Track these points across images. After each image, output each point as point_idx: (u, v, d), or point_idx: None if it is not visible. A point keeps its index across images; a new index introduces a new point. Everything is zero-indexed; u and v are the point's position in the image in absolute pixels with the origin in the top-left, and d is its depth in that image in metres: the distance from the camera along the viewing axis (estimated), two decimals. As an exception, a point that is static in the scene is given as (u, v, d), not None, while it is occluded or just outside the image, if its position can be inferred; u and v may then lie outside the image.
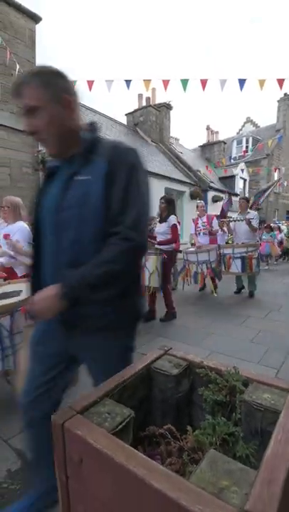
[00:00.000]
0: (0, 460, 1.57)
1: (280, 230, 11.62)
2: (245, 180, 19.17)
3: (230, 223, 5.46)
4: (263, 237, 9.28)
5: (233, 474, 0.58)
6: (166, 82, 5.89)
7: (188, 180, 13.16)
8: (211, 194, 14.82)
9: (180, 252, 4.70)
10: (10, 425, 1.82)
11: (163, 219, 4.02)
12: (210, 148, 19.00)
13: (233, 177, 17.43)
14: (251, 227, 5.05)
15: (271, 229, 9.83)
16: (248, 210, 5.40)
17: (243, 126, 25.70)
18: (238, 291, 5.51)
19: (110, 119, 13.77)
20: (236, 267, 4.92)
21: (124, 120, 15.55)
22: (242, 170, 18.36)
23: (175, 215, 4.06)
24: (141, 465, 0.58)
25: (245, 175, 18.89)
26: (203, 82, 5.73)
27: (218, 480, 0.56)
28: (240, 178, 18.35)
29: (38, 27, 6.92)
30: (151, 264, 3.70)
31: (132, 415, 0.74)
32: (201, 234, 5.40)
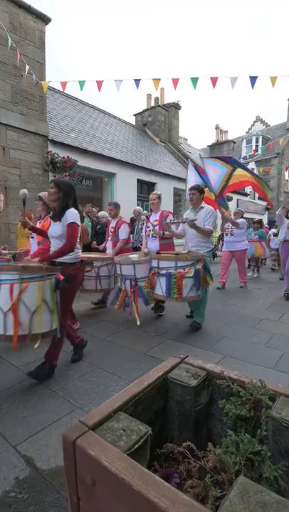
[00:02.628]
0: (8, 467, 1.53)
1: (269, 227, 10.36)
2: (255, 180, 18.87)
3: (181, 225, 3.76)
4: (250, 236, 7.77)
5: (269, 508, 0.51)
6: (175, 81, 5.82)
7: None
8: (220, 194, 14.63)
9: (90, 264, 3.77)
10: (18, 430, 1.77)
11: (56, 214, 2.48)
12: (219, 148, 18.80)
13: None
14: (199, 230, 3.44)
15: (261, 225, 8.07)
16: (204, 204, 3.73)
17: (253, 125, 25.37)
18: (191, 314, 3.92)
19: (119, 119, 13.76)
20: (160, 287, 3.16)
21: (132, 120, 15.53)
22: (252, 169, 18.10)
23: (76, 207, 2.53)
24: (163, 495, 0.51)
25: (255, 174, 18.60)
26: (214, 80, 5.63)
27: (252, 516, 0.49)
28: (250, 177, 18.08)
29: (47, 27, 6.95)
30: (29, 297, 2.05)
31: (149, 433, 0.67)
32: (150, 237, 4.03)
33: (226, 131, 19.84)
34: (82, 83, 5.22)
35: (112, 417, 0.71)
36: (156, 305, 4.13)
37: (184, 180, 11.95)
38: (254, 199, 18.00)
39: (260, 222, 8.21)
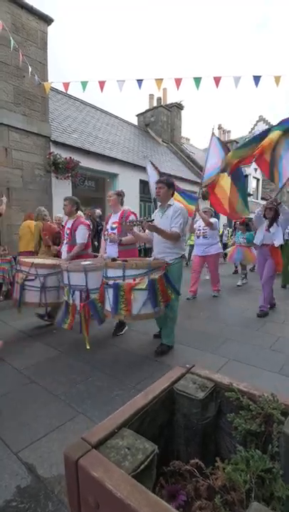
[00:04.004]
0: (9, 475, 1.50)
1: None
2: (258, 179, 18.80)
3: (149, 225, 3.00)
4: (236, 239, 6.80)
5: None
6: (178, 81, 5.78)
7: (199, 181, 12.96)
8: (223, 194, 14.58)
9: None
10: (20, 436, 1.75)
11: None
12: (222, 148, 18.72)
13: (245, 176, 17.11)
14: (160, 232, 2.76)
15: (247, 227, 6.52)
16: (172, 201, 2.99)
17: (256, 124, 25.24)
18: (158, 334, 3.23)
19: (121, 120, 13.73)
20: (109, 301, 2.61)
21: (135, 121, 15.51)
22: (255, 169, 18.00)
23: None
24: (171, 524, 0.48)
25: (258, 174, 18.53)
26: (217, 80, 5.59)
27: None
28: (254, 177, 18.01)
29: (48, 28, 6.93)
30: None
31: (156, 451, 0.64)
32: (108, 241, 3.41)
33: (229, 131, 19.78)
34: (84, 84, 5.19)
35: (116, 433, 0.68)
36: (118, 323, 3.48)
37: (186, 180, 11.91)
38: (257, 199, 17.91)
39: (246, 223, 6.58)
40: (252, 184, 17.71)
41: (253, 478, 0.73)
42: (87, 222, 3.82)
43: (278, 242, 4.09)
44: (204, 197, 12.55)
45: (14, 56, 6.01)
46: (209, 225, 5.12)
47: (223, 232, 10.73)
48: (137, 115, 15.68)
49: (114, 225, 3.39)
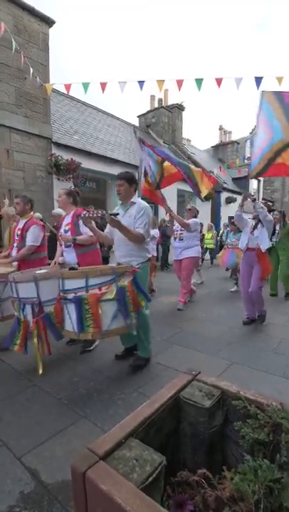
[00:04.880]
0: (12, 480, 1.49)
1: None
2: (259, 180, 18.78)
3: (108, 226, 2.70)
4: (229, 239, 6.30)
5: None
6: (180, 82, 5.78)
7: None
8: (224, 195, 14.58)
9: None
10: (23, 440, 1.74)
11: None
12: (223, 149, 18.72)
13: (246, 177, 17.10)
14: (124, 231, 2.41)
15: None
16: (136, 198, 2.72)
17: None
18: (123, 353, 2.82)
19: (122, 121, 13.75)
20: (70, 320, 2.17)
21: (136, 122, 15.52)
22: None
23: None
24: None
25: (259, 175, 18.50)
26: (218, 81, 5.59)
27: None
28: (255, 178, 17.98)
29: (50, 29, 6.94)
30: None
31: (164, 463, 0.63)
32: (64, 246, 3.04)
33: (230, 132, 19.76)
34: (86, 85, 5.19)
35: (123, 443, 0.67)
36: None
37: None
38: (258, 200, 17.89)
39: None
40: (253, 185, 17.70)
41: (262, 488, 0.72)
42: (42, 222, 3.44)
43: (264, 245, 3.57)
44: (205, 198, 12.49)
45: (16, 58, 6.02)
46: (185, 226, 4.56)
47: (223, 231, 10.46)
48: (138, 116, 15.69)
49: (67, 228, 3.01)
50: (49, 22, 6.82)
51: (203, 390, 0.88)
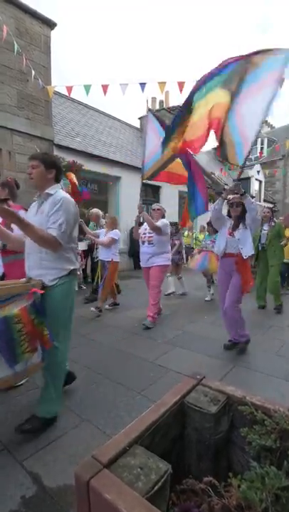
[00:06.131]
0: (14, 485, 1.47)
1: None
2: (260, 181, 18.76)
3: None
4: (203, 241, 5.75)
5: None
6: (181, 84, 5.79)
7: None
8: (225, 197, 14.53)
9: None
10: (24, 444, 1.72)
11: None
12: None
13: (248, 179, 17.08)
14: (29, 232, 1.70)
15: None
16: (55, 189, 1.92)
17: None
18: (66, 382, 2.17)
19: (123, 122, 13.77)
20: None
21: (137, 124, 15.54)
22: (258, 171, 17.99)
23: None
24: None
25: (260, 176, 18.49)
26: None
27: None
28: (256, 179, 17.97)
29: (52, 32, 6.97)
30: None
31: (170, 471, 0.62)
32: None
33: (231, 134, 19.74)
34: (87, 88, 5.20)
35: (127, 451, 0.66)
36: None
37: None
38: (260, 202, 17.87)
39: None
40: (254, 186, 17.67)
41: (269, 496, 0.71)
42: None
43: (246, 251, 2.86)
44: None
45: (18, 60, 6.04)
46: (155, 229, 3.79)
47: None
48: (140, 118, 15.71)
49: None
50: (51, 24, 6.85)
51: (209, 395, 0.86)
